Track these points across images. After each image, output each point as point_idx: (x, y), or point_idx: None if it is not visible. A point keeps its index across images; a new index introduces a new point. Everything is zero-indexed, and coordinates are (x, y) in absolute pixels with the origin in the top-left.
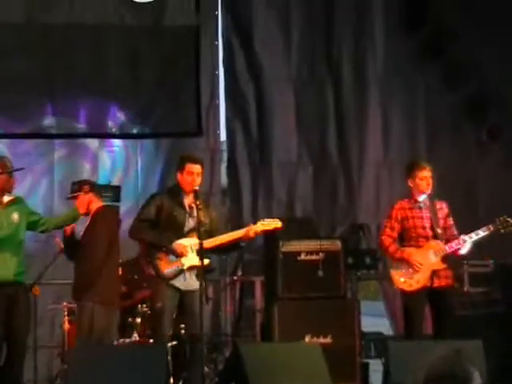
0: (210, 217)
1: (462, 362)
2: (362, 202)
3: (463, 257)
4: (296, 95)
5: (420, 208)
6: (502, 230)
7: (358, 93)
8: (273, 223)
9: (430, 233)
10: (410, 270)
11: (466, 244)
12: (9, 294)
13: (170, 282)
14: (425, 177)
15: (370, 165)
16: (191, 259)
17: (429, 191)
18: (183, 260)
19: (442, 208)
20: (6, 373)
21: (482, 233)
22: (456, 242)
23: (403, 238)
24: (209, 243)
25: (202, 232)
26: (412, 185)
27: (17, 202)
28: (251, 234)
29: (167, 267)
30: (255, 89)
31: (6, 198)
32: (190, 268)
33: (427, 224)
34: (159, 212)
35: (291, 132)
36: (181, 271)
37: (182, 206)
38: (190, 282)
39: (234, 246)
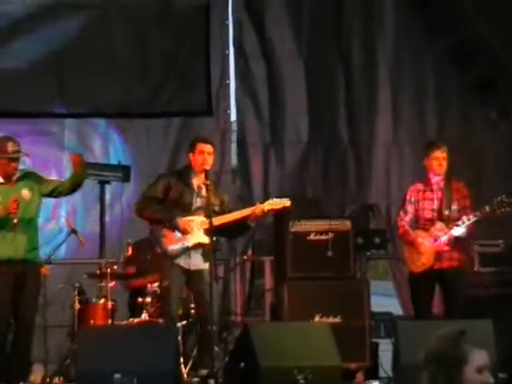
0: (221, 199)
1: (460, 343)
2: (371, 182)
3: (464, 238)
4: (307, 75)
5: (432, 190)
6: (498, 211)
7: (367, 73)
8: (281, 202)
9: (435, 215)
10: (417, 252)
11: (457, 228)
12: (17, 272)
13: (174, 260)
14: (437, 157)
15: (379, 145)
16: (197, 237)
17: (441, 172)
18: (188, 237)
19: (459, 188)
20: (14, 350)
21: (472, 218)
22: (459, 223)
23: (416, 220)
24: (215, 221)
25: (211, 212)
26: (426, 164)
27: (25, 177)
28: (258, 212)
29: (172, 244)
30: (266, 69)
31: (14, 177)
32: (195, 246)
33: (436, 206)
34: (166, 192)
35: (302, 112)
36: (186, 249)
37: (190, 185)
38: (196, 261)
39: (242, 227)
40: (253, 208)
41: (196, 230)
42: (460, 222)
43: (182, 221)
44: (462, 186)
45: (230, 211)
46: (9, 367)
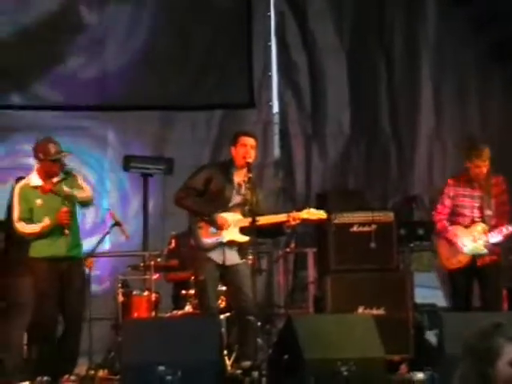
0: (257, 198)
1: (494, 336)
2: (414, 174)
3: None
4: (349, 67)
5: (473, 187)
6: None
7: (409, 66)
8: (318, 213)
9: (477, 214)
10: (454, 248)
11: (496, 236)
12: (62, 269)
13: (207, 253)
14: (479, 165)
15: (422, 138)
16: (232, 233)
17: (481, 176)
18: (223, 233)
19: (498, 183)
20: (62, 346)
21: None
22: (497, 231)
23: (453, 213)
24: (249, 222)
25: (247, 210)
26: (467, 166)
27: (66, 175)
28: (294, 219)
29: (206, 237)
30: (308, 61)
31: (56, 179)
32: (230, 242)
33: (477, 204)
34: (207, 183)
35: (344, 104)
36: (219, 244)
37: (231, 180)
38: (231, 257)
39: (276, 231)
40: (289, 214)
41: (232, 227)
42: (499, 231)
43: (219, 217)
44: (500, 181)
45: (263, 211)
46: (55, 360)
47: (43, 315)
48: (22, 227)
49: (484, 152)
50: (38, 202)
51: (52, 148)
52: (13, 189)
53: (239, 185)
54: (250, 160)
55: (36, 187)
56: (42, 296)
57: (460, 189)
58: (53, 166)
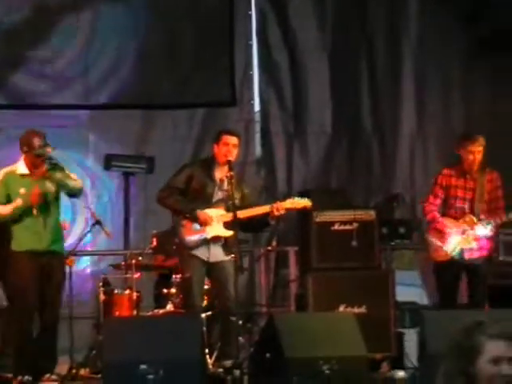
0: (242, 193)
1: (475, 334)
2: (396, 172)
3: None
4: (330, 66)
5: (466, 179)
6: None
7: (391, 63)
8: (302, 202)
9: (467, 205)
10: (443, 240)
11: (484, 227)
12: (43, 263)
13: (192, 251)
14: (472, 151)
15: (404, 136)
16: (216, 229)
17: (475, 165)
18: (207, 229)
19: (493, 179)
20: (41, 343)
21: (501, 221)
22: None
23: (445, 205)
24: (232, 216)
25: (231, 205)
26: (461, 155)
27: (52, 170)
28: (279, 209)
29: (190, 235)
30: (289, 59)
31: (41, 168)
32: (214, 238)
33: (468, 196)
34: (189, 181)
35: (326, 103)
36: (204, 241)
37: (212, 177)
38: (215, 253)
39: (261, 223)
40: (273, 205)
41: (215, 223)
42: (488, 223)
43: (201, 213)
44: (495, 177)
45: (251, 205)
46: (35, 360)
47: (21, 310)
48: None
49: (478, 139)
50: (22, 191)
51: (36, 141)
52: None
53: (221, 181)
54: (232, 158)
55: (23, 175)
56: (22, 290)
57: (453, 179)
58: (36, 159)
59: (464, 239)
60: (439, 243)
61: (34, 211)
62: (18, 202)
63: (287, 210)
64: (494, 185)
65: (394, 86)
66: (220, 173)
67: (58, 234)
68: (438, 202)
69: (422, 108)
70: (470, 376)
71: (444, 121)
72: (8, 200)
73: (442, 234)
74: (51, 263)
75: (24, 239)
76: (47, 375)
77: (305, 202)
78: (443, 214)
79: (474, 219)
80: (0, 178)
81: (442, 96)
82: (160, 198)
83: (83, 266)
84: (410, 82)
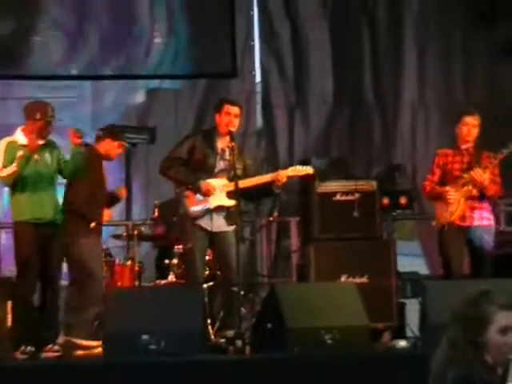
0: (244, 163)
1: (483, 304)
2: (397, 142)
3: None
4: (331, 35)
5: (462, 155)
6: None
7: (393, 33)
8: (304, 169)
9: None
10: (446, 203)
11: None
12: (45, 234)
13: (196, 221)
14: (467, 123)
15: (405, 105)
16: (219, 199)
17: (470, 138)
18: (210, 199)
19: (489, 156)
20: (43, 314)
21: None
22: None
23: (443, 181)
24: (235, 185)
25: (233, 175)
26: (456, 131)
27: (48, 144)
28: (281, 178)
29: (193, 205)
30: (291, 29)
31: (41, 142)
32: (217, 208)
33: (465, 168)
34: (191, 152)
35: (327, 73)
36: (207, 211)
37: (213, 147)
38: (218, 223)
39: (266, 192)
40: (275, 174)
41: (218, 193)
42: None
43: (203, 183)
44: (492, 154)
45: (253, 175)
46: (37, 330)
47: (24, 280)
48: (2, 173)
49: (474, 113)
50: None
51: (50, 110)
52: None
53: (223, 151)
54: (233, 129)
55: (23, 145)
56: (25, 261)
57: (449, 157)
58: (47, 126)
59: (465, 191)
60: (442, 206)
61: (36, 156)
62: (19, 153)
63: (289, 177)
64: (490, 161)
65: (395, 56)
66: (222, 143)
67: (59, 205)
68: (436, 178)
69: (424, 77)
70: (479, 345)
71: (445, 91)
72: None
73: (442, 197)
74: (53, 235)
75: (27, 209)
76: (49, 346)
77: (307, 170)
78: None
79: (472, 173)
80: (3, 145)
81: (443, 66)
82: (162, 169)
83: None
84: (412, 51)
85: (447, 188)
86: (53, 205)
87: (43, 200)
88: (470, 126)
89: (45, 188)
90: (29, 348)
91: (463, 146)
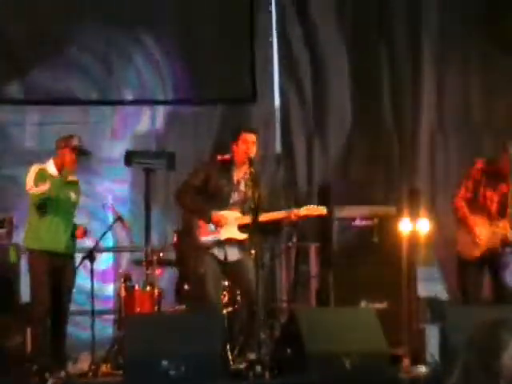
0: (259, 194)
1: (501, 331)
2: (417, 168)
3: None
4: (350, 61)
5: (500, 180)
6: None
7: (412, 59)
8: (317, 209)
9: (496, 208)
10: (472, 239)
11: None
12: (58, 264)
13: (208, 251)
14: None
15: (424, 130)
16: (229, 231)
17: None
18: (221, 231)
19: None
20: (54, 340)
21: None
22: None
23: (474, 202)
24: (250, 219)
25: (247, 207)
26: (502, 157)
27: (75, 184)
28: (294, 217)
29: (205, 235)
30: (310, 54)
31: (71, 177)
32: (227, 240)
33: (497, 198)
34: (206, 181)
35: (346, 98)
36: (218, 242)
37: (229, 178)
38: (231, 253)
39: (275, 228)
40: (289, 212)
41: (230, 225)
42: None
43: (215, 214)
44: None
45: (267, 208)
46: (48, 356)
47: (40, 305)
48: (35, 190)
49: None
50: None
51: (81, 143)
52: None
53: (238, 182)
54: (252, 155)
55: (52, 175)
56: (40, 285)
57: (485, 176)
58: (76, 159)
59: (493, 240)
60: (468, 240)
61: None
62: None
63: (303, 216)
64: None
65: (414, 83)
66: (238, 174)
67: (74, 238)
68: (469, 196)
69: (442, 102)
70: (493, 372)
71: (465, 118)
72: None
73: (470, 232)
74: (65, 265)
75: (44, 239)
76: (56, 373)
77: (320, 210)
78: (472, 213)
79: (507, 227)
80: (34, 170)
81: (463, 93)
82: (177, 197)
83: (105, 263)
84: (431, 77)
85: (477, 229)
86: (68, 238)
87: (60, 233)
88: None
89: (64, 222)
90: (47, 374)
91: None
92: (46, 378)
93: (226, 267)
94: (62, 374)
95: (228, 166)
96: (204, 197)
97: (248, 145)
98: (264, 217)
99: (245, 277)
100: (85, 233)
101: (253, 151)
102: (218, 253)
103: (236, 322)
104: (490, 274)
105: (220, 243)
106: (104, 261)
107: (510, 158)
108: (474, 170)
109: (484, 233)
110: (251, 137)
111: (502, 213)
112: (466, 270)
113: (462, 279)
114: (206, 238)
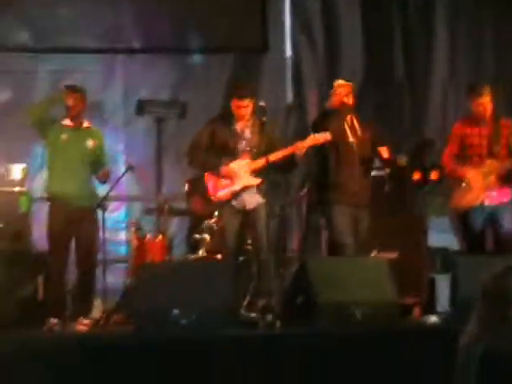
0: (269, 136)
1: (509, 281)
2: (428, 118)
3: None
4: (362, 12)
5: (481, 125)
6: None
7: (425, 9)
8: (322, 136)
9: (485, 151)
10: (464, 188)
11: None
12: (75, 216)
13: (227, 204)
14: (481, 103)
15: (436, 81)
16: (243, 180)
17: (487, 114)
18: (236, 181)
19: (508, 126)
20: (77, 287)
21: None
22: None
23: (462, 155)
24: (258, 163)
25: (255, 152)
26: (472, 107)
27: (95, 131)
28: (301, 148)
29: (220, 189)
30: (321, 5)
31: (85, 124)
32: (244, 188)
33: (484, 142)
34: (212, 137)
35: (357, 49)
36: (234, 193)
37: (232, 129)
38: (251, 200)
39: (289, 164)
40: (294, 146)
41: (242, 174)
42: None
43: (224, 169)
44: (510, 123)
45: (279, 148)
46: (70, 303)
47: (54, 258)
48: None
49: (484, 91)
50: (63, 136)
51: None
52: None
53: (242, 131)
54: (247, 117)
55: (66, 125)
56: (51, 235)
57: (468, 128)
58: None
59: (486, 184)
60: (461, 191)
61: (64, 136)
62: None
63: (310, 146)
64: (510, 130)
65: (426, 33)
66: (240, 124)
67: (91, 187)
68: (455, 152)
69: (455, 54)
70: (506, 320)
71: (476, 67)
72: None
73: (461, 182)
74: (83, 216)
75: (59, 190)
76: (80, 318)
77: (325, 136)
78: (462, 165)
79: (494, 162)
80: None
81: (475, 41)
82: (188, 161)
83: (117, 211)
84: (443, 27)
85: (468, 174)
86: (78, 186)
87: (75, 183)
88: (485, 104)
89: (79, 171)
90: (55, 321)
91: (481, 117)
92: (56, 325)
93: (246, 215)
94: (87, 321)
95: (230, 118)
96: (214, 152)
97: (240, 110)
98: (273, 155)
99: (256, 225)
100: (107, 174)
101: (246, 113)
102: (238, 203)
103: (247, 270)
104: (490, 225)
105: (237, 193)
106: (115, 210)
107: (481, 100)
108: (453, 127)
109: (476, 177)
110: (243, 103)
111: (490, 155)
112: (466, 220)
113: (464, 230)
114: (221, 192)
